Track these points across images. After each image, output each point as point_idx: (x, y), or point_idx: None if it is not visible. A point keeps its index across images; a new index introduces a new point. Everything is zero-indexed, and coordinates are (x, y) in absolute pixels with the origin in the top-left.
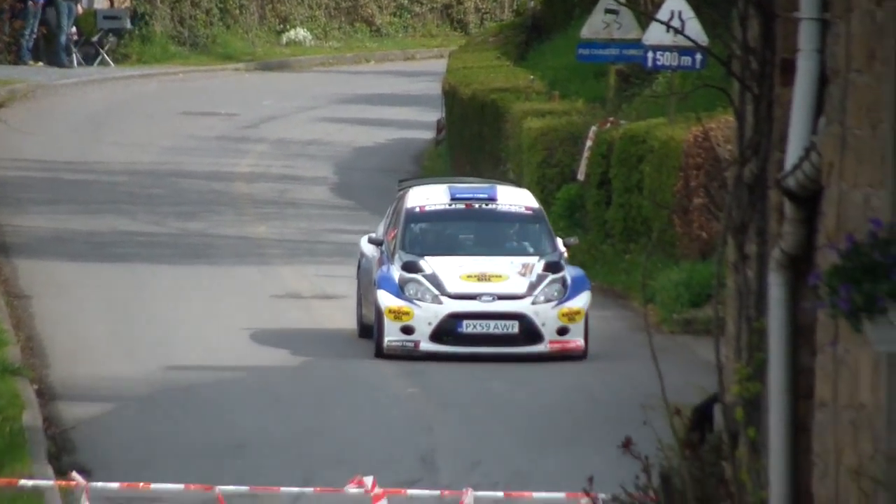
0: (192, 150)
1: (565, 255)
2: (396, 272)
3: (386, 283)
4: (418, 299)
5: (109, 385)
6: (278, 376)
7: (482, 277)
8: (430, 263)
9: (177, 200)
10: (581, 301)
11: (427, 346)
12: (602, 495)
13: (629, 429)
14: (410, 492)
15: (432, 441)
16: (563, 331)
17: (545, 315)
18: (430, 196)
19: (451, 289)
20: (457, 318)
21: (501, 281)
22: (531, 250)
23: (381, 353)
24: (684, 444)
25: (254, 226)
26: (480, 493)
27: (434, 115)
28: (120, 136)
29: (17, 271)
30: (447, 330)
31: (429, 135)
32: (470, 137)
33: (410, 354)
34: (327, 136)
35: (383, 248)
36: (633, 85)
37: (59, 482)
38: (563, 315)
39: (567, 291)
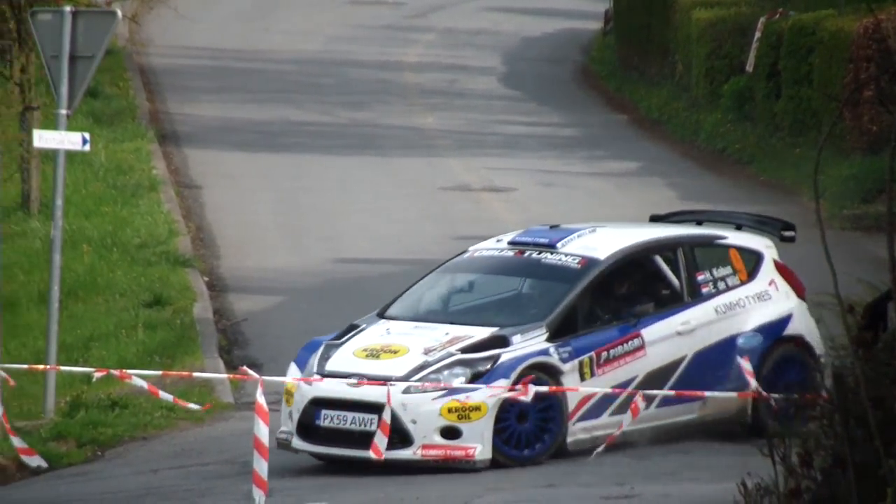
0: (359, 39)
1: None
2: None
3: (306, 352)
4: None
5: (278, 277)
6: None
7: (375, 352)
8: (363, 330)
9: (345, 90)
10: (485, 393)
11: (297, 442)
12: (774, 395)
13: None
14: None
15: None
16: (449, 432)
17: (419, 409)
18: (503, 239)
19: (330, 365)
20: (317, 405)
21: (392, 358)
22: (511, 319)
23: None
24: (857, 343)
25: (422, 116)
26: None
27: (602, 5)
28: (286, 24)
29: (187, 161)
30: (306, 423)
31: (596, 25)
32: (638, 28)
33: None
34: (494, 25)
35: None
36: None
37: (231, 376)
38: (451, 410)
39: (485, 376)
